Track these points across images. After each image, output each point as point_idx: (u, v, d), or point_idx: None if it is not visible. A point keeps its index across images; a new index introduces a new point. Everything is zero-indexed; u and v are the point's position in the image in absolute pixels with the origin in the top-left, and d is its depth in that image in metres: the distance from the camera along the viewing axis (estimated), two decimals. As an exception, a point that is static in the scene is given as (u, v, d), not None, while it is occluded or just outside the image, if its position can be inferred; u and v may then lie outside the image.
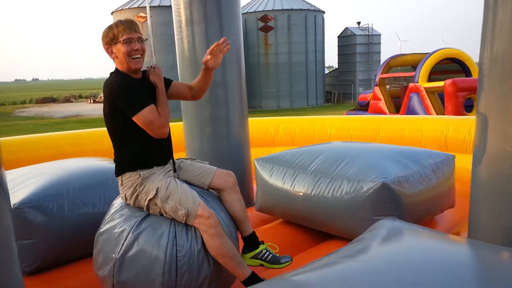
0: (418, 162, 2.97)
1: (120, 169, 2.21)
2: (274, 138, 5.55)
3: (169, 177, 2.21)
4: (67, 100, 42.84)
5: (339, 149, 3.24)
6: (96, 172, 3.08)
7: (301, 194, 2.95)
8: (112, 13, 24.67)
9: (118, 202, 2.37)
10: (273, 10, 25.34)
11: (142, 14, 22.86)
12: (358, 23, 28.95)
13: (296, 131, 5.49)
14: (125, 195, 2.23)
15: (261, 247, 2.35)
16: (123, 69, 2.16)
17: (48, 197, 2.68)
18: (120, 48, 2.11)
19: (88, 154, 5.08)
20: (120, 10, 23.82)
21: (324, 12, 27.61)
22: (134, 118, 2.05)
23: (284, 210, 3.16)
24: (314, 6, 26.89)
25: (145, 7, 22.70)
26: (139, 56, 2.15)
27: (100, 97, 40.27)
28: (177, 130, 4.08)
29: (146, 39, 2.22)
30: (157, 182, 2.15)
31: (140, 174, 2.15)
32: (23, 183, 2.82)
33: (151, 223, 2.14)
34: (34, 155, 4.88)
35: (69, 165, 3.19)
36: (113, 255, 2.11)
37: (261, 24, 25.42)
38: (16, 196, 2.64)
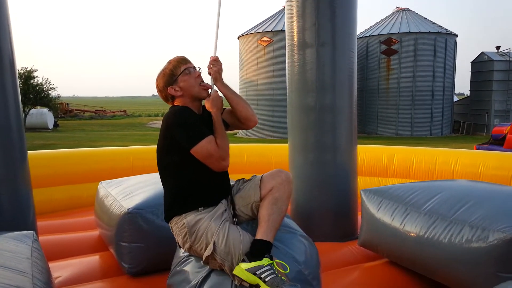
0: None
1: (167, 214, 2.08)
2: (388, 169, 5.18)
3: (225, 222, 1.98)
4: (194, 114, 46.75)
5: (462, 188, 2.83)
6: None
7: (412, 234, 2.64)
8: (238, 38, 26.34)
9: (181, 250, 2.21)
10: (398, 33, 24.27)
11: (265, 38, 23.95)
12: (497, 47, 26.07)
13: (413, 163, 5.04)
14: (178, 242, 2.09)
15: (265, 261, 1.87)
16: (185, 104, 2.07)
17: (158, 205, 2.84)
18: (185, 79, 2.05)
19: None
20: (245, 35, 25.31)
21: (456, 36, 25.54)
22: (192, 151, 1.93)
23: (391, 250, 2.86)
24: (446, 29, 25.01)
25: (269, 31, 23.86)
26: (203, 82, 2.09)
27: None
28: (286, 151, 4.07)
29: (199, 68, 2.14)
30: (212, 231, 1.93)
31: (184, 223, 1.97)
32: (139, 190, 3.06)
33: (212, 285, 1.98)
34: (155, 164, 5.34)
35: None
36: None
37: (384, 47, 24.51)
38: (131, 201, 2.86)
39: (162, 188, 3.00)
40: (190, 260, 2.12)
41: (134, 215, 2.75)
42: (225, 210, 2.05)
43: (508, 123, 13.86)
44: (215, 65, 2.10)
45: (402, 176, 5.08)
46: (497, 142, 13.48)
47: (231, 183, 2.21)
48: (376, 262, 3.03)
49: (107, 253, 3.21)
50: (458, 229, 2.41)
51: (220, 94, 2.15)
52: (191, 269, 2.08)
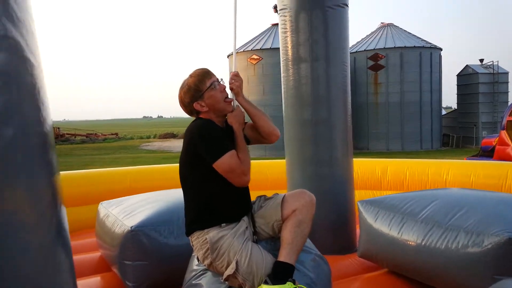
0: (556, 216, 2.53)
1: (188, 228, 2.07)
2: (381, 181, 5.26)
3: (247, 240, 1.98)
4: (185, 135, 46.70)
5: (456, 196, 2.93)
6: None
7: (410, 243, 2.71)
8: (228, 56, 26.65)
9: (196, 263, 2.21)
10: (384, 48, 24.76)
11: (254, 56, 24.29)
12: (481, 60, 26.71)
13: (406, 175, 5.14)
14: (197, 257, 2.09)
15: (289, 285, 1.88)
16: (210, 118, 2.07)
17: (160, 223, 2.89)
18: (212, 95, 2.03)
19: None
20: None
21: (441, 49, 26.12)
22: (214, 165, 1.92)
23: (389, 259, 2.92)
24: (430, 43, 25.59)
25: (258, 49, 24.19)
26: (228, 96, 2.10)
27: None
28: (281, 168, 4.14)
29: (222, 79, 2.14)
30: (234, 250, 1.92)
31: (206, 238, 1.96)
32: (140, 208, 3.10)
33: None
34: (151, 184, 5.37)
35: (182, 194, 3.43)
36: None
37: (371, 62, 24.96)
38: (133, 219, 2.90)
39: (164, 205, 3.09)
40: (206, 274, 2.12)
41: (137, 233, 2.78)
42: (247, 227, 2.05)
43: (496, 135, 14.14)
44: (237, 80, 2.13)
45: (396, 188, 5.16)
46: (487, 154, 13.71)
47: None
48: (376, 273, 3.08)
49: (109, 273, 3.22)
50: (454, 235, 2.49)
51: (242, 109, 2.17)
52: (208, 284, 2.08)
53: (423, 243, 2.62)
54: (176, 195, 3.42)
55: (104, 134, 47.44)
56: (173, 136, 47.16)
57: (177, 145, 33.63)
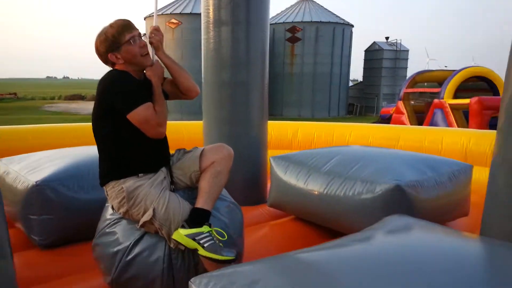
0: (435, 168, 2.95)
1: (103, 179, 2.05)
2: (292, 142, 5.58)
3: (165, 190, 2.02)
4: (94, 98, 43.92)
5: (355, 152, 3.25)
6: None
7: (314, 192, 2.98)
8: (145, 19, 25.29)
9: (110, 212, 2.20)
10: (302, 21, 25.50)
11: (173, 21, 23.37)
12: (387, 38, 28.82)
13: (314, 136, 5.51)
14: (112, 206, 2.09)
15: (205, 228, 1.95)
16: (126, 69, 2.02)
17: (68, 178, 2.79)
18: (129, 49, 1.97)
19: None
20: (152, 16, 24.37)
21: (352, 26, 27.60)
22: (129, 116, 1.90)
23: (296, 207, 3.19)
24: (343, 20, 26.91)
25: (177, 13, 23.28)
26: (147, 52, 2.05)
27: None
28: (198, 128, 4.17)
29: (145, 34, 2.09)
30: (151, 198, 1.96)
31: (122, 187, 1.96)
32: (47, 163, 2.94)
33: (146, 247, 2.04)
34: (57, 143, 5.04)
35: (93, 150, 3.30)
36: (109, 275, 2.09)
37: (288, 34, 25.60)
38: (39, 174, 2.76)
39: (72, 160, 2.97)
40: (121, 222, 2.12)
41: (42, 187, 2.66)
42: (164, 177, 2.07)
43: (394, 104, 15.58)
44: (157, 35, 2.09)
45: (305, 148, 5.50)
46: (385, 121, 15.11)
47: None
48: (283, 219, 3.35)
49: (11, 230, 3.03)
50: (351, 184, 2.79)
51: (161, 64, 2.13)
52: (122, 231, 2.09)
53: (325, 192, 2.89)
54: (86, 151, 3.29)
55: (0, 93, 42.56)
56: (81, 98, 44.05)
57: (85, 107, 31.52)
